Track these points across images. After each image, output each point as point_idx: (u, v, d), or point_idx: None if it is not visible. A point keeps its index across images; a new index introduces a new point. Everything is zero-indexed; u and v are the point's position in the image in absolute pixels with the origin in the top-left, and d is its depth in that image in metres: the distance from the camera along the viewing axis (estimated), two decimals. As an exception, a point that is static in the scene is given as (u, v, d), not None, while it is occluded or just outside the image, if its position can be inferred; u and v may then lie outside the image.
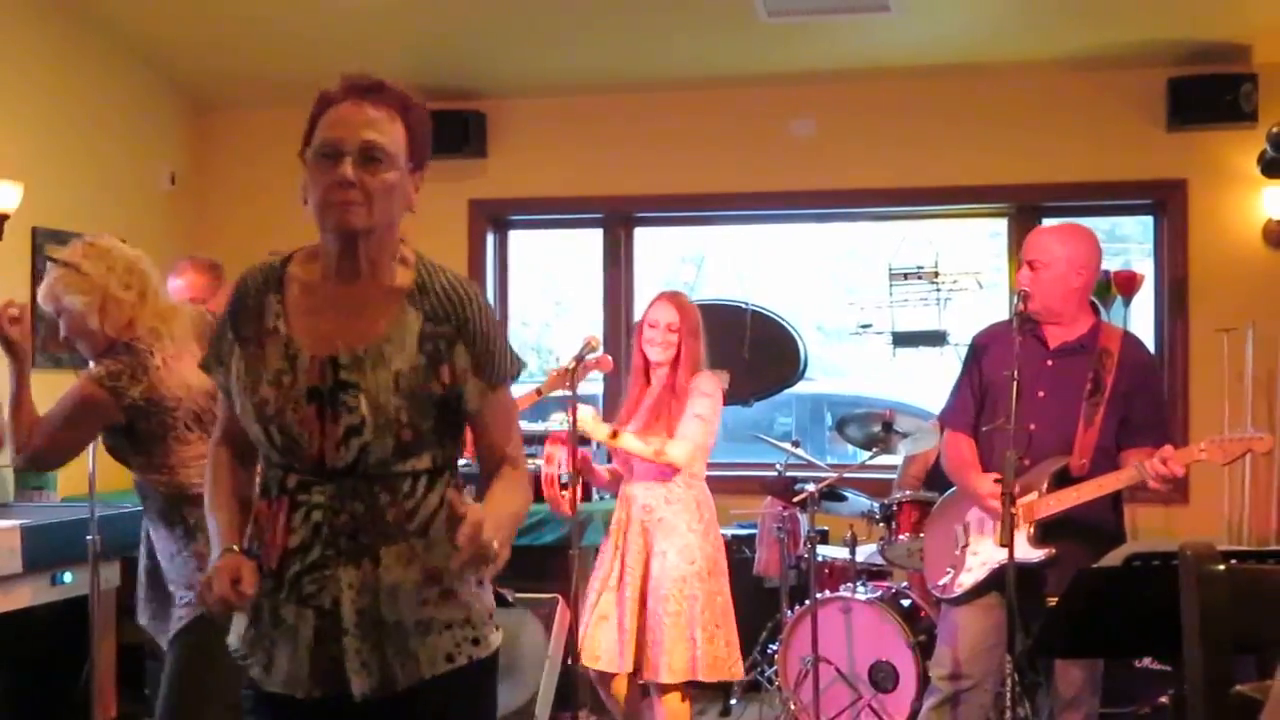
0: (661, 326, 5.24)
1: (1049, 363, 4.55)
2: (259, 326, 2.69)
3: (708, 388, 5.19)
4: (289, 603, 2.65)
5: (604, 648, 5.18)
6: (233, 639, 2.77)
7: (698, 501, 5.19)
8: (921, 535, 6.05)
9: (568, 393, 5.16)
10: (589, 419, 5.20)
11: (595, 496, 6.86)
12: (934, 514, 5.04)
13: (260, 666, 2.71)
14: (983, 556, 4.59)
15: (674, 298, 5.34)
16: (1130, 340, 4.64)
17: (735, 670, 5.28)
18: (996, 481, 4.40)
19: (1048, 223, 7.59)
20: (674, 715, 5.15)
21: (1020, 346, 4.42)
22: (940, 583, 4.76)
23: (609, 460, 5.60)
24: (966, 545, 4.67)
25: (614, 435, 5.15)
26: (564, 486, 5.32)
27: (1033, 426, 4.45)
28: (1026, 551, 4.39)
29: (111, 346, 3.90)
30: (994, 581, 4.51)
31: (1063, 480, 4.45)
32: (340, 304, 2.67)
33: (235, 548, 2.66)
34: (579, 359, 5.12)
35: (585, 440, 5.29)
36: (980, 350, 4.75)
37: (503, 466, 2.76)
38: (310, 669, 2.64)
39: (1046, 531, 4.43)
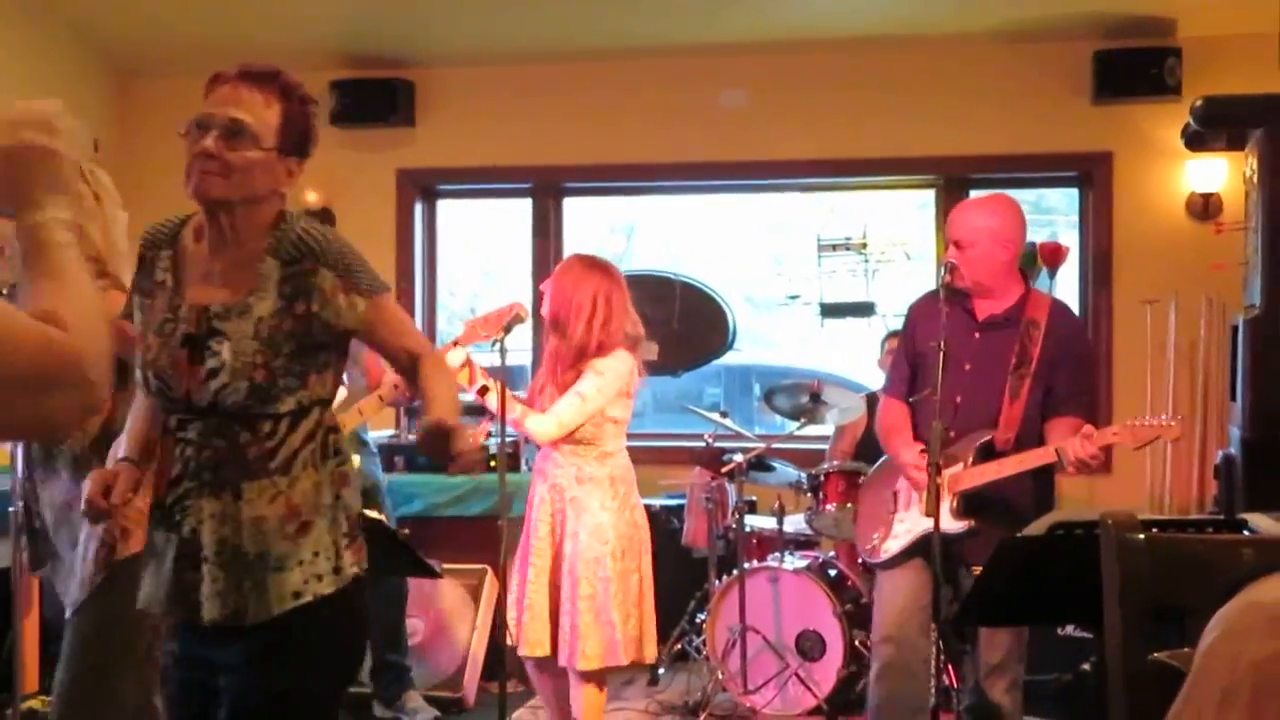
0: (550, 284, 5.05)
1: (976, 335, 4.58)
2: (151, 280, 2.97)
3: (603, 364, 4.90)
4: (160, 529, 2.92)
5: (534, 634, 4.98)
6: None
7: (611, 478, 4.97)
8: (849, 505, 6.15)
9: (484, 345, 5.00)
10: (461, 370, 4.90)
11: (524, 468, 6.84)
12: (868, 480, 5.09)
13: (146, 588, 2.97)
14: (909, 524, 4.63)
15: (553, 274, 5.06)
16: (1059, 309, 4.68)
17: (648, 653, 5.05)
18: (922, 453, 4.44)
19: (975, 194, 7.65)
20: (592, 691, 5.00)
21: (950, 318, 4.44)
22: (868, 546, 4.79)
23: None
24: (895, 511, 4.70)
25: (483, 392, 4.91)
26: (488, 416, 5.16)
27: (959, 399, 4.49)
28: (948, 523, 4.40)
29: None
30: (918, 548, 4.55)
31: (988, 453, 4.47)
32: (215, 264, 2.91)
33: (128, 460, 3.02)
34: (507, 329, 4.98)
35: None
36: (913, 320, 4.80)
37: (417, 362, 3.01)
38: (169, 591, 2.88)
39: (969, 504, 4.47)
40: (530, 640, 4.96)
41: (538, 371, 5.21)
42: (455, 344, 5.54)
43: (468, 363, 4.93)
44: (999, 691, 4.55)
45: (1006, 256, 4.56)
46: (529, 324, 5.81)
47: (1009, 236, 4.56)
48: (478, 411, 5.34)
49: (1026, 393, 4.49)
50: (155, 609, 2.93)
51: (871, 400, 7.00)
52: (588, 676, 4.95)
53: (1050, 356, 4.51)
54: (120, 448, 3.07)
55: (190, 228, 2.99)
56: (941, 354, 4.30)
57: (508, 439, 5.25)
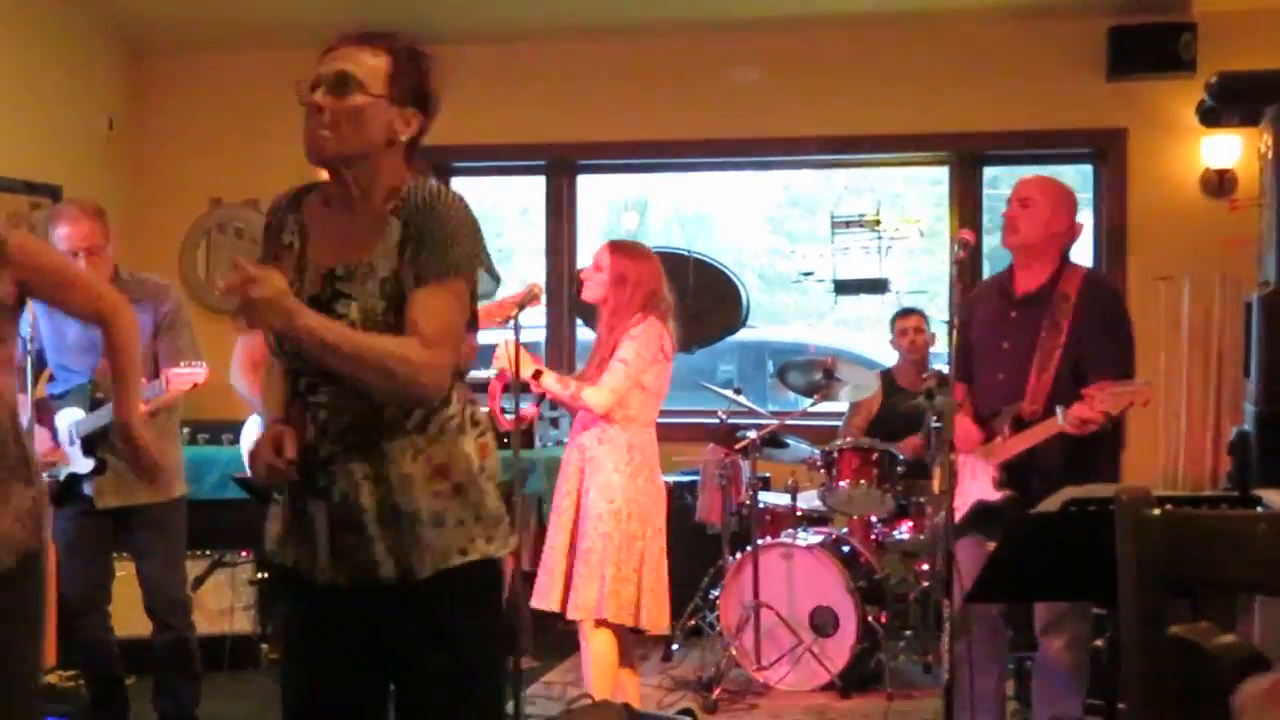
0: (590, 268, 5.25)
1: (1012, 314, 4.73)
2: (278, 244, 2.98)
3: (636, 331, 5.09)
4: (307, 495, 2.91)
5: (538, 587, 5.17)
6: (268, 543, 3.04)
7: (629, 444, 5.09)
8: (862, 482, 6.27)
9: (504, 330, 5.09)
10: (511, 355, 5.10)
11: (538, 444, 6.86)
12: None
13: (294, 557, 2.96)
14: (964, 495, 4.74)
15: (609, 262, 5.20)
16: (1090, 281, 4.79)
17: (651, 621, 5.10)
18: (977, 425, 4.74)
19: (989, 171, 7.71)
20: (595, 648, 5.08)
21: (989, 300, 4.77)
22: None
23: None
24: (959, 483, 4.83)
25: (536, 375, 5.08)
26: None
27: (1000, 377, 4.67)
28: (989, 493, 4.60)
29: None
30: (971, 519, 4.68)
31: (1021, 426, 4.59)
32: (341, 224, 2.92)
33: (281, 421, 2.93)
34: (521, 306, 5.03)
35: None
36: (966, 309, 4.93)
37: (412, 337, 2.80)
38: (330, 556, 2.88)
39: (1012, 475, 4.60)
40: (541, 594, 5.13)
41: (593, 353, 5.31)
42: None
43: (517, 349, 5.03)
44: (1056, 649, 4.63)
45: (1059, 227, 4.74)
46: (542, 302, 5.82)
47: (1067, 209, 4.79)
48: (524, 389, 5.41)
49: (1055, 365, 4.60)
50: (319, 577, 2.90)
51: (885, 377, 7.03)
52: (593, 631, 5.05)
53: (1080, 328, 4.62)
54: (267, 411, 3.08)
55: (318, 194, 3.00)
56: (956, 331, 4.43)
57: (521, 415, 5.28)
